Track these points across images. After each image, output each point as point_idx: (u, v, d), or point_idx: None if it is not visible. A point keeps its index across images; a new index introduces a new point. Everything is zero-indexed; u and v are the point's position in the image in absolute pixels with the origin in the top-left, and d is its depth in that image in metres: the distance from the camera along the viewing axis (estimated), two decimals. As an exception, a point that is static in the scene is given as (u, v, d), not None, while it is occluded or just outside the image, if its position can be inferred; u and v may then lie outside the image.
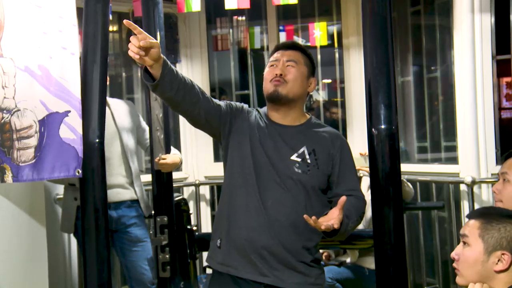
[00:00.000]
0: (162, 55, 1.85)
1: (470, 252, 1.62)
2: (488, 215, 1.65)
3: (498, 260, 1.58)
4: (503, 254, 1.58)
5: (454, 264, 1.68)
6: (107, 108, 3.03)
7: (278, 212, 2.04)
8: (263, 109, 2.22)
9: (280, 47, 2.20)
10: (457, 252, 1.67)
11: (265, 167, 2.06)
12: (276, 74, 2.10)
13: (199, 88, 2.01)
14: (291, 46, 2.19)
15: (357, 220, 2.09)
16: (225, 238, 2.10)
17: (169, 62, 1.90)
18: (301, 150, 2.09)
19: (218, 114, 2.09)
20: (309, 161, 2.07)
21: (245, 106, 2.21)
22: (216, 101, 2.10)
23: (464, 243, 1.65)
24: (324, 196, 2.13)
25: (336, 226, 1.89)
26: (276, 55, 2.17)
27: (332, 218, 1.90)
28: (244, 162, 2.08)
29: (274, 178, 2.06)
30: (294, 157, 2.07)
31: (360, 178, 3.45)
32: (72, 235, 3.22)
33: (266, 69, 2.17)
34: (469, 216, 1.70)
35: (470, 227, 1.64)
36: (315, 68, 2.23)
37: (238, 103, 2.20)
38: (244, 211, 2.06)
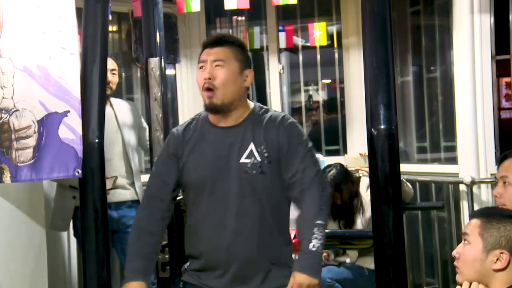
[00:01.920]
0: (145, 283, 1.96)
1: (470, 250, 1.62)
2: (490, 215, 1.65)
3: (497, 259, 1.58)
4: (501, 253, 1.58)
5: (455, 263, 1.68)
6: (110, 107, 3.04)
7: (240, 224, 1.96)
8: (201, 117, 2.08)
9: (206, 45, 2.01)
10: (458, 250, 1.67)
11: (219, 180, 1.97)
12: (205, 78, 1.94)
13: (161, 213, 2.05)
14: (217, 41, 2.00)
15: (320, 222, 1.93)
16: (194, 258, 2.06)
17: (148, 261, 2.03)
18: (248, 149, 1.97)
19: (175, 183, 2.06)
20: (259, 158, 1.95)
21: (172, 133, 2.11)
22: (163, 181, 2.06)
23: (465, 241, 1.66)
24: (284, 187, 2.01)
25: None
26: (203, 55, 1.99)
27: None
28: (197, 185, 2.01)
29: (230, 189, 1.96)
30: (243, 160, 1.96)
31: (359, 178, 3.45)
32: (72, 235, 3.22)
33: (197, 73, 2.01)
34: (471, 216, 1.71)
35: (471, 226, 1.65)
36: (249, 58, 2.06)
37: (165, 145, 2.12)
38: (208, 235, 1.99)
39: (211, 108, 1.98)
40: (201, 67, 1.98)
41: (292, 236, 2.12)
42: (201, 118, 2.08)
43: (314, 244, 1.88)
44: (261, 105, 2.09)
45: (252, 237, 1.96)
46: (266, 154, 1.97)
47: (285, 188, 2.01)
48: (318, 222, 1.91)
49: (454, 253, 1.68)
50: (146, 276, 1.98)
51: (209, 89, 1.95)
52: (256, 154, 1.97)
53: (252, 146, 1.97)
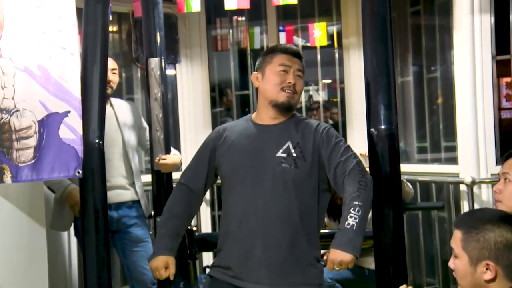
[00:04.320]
0: (173, 258, 2.16)
1: (459, 264, 1.61)
2: (468, 223, 1.62)
3: (486, 269, 1.57)
4: (487, 264, 1.56)
5: (453, 273, 1.67)
6: (110, 107, 3.04)
7: (268, 211, 2.07)
8: (247, 117, 2.27)
9: (290, 52, 2.18)
10: (451, 262, 1.66)
11: (253, 170, 2.11)
12: (290, 82, 2.13)
13: (190, 195, 2.23)
14: (298, 55, 2.19)
15: (361, 208, 1.99)
16: (223, 246, 2.17)
17: (175, 242, 2.21)
18: (286, 145, 2.12)
19: (207, 176, 2.24)
20: (294, 154, 2.10)
21: (215, 129, 2.29)
22: (198, 170, 2.24)
23: (453, 255, 1.65)
24: (315, 191, 2.12)
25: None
26: (286, 61, 2.15)
27: None
28: (232, 173, 2.16)
29: (263, 178, 2.09)
30: (279, 154, 2.11)
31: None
32: (73, 235, 3.22)
33: (274, 71, 2.15)
34: (454, 225, 1.69)
35: (455, 239, 1.63)
36: None
37: (206, 139, 2.29)
38: (238, 218, 2.11)
39: (284, 106, 2.15)
40: (284, 70, 2.15)
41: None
42: (245, 118, 2.27)
43: (349, 222, 1.96)
44: (300, 114, 2.30)
45: (277, 224, 2.07)
46: (301, 153, 2.11)
47: (324, 183, 2.13)
48: (355, 203, 1.98)
49: (450, 264, 1.67)
50: (172, 252, 2.17)
51: (290, 92, 2.14)
52: (292, 150, 2.11)
53: (289, 143, 2.12)
